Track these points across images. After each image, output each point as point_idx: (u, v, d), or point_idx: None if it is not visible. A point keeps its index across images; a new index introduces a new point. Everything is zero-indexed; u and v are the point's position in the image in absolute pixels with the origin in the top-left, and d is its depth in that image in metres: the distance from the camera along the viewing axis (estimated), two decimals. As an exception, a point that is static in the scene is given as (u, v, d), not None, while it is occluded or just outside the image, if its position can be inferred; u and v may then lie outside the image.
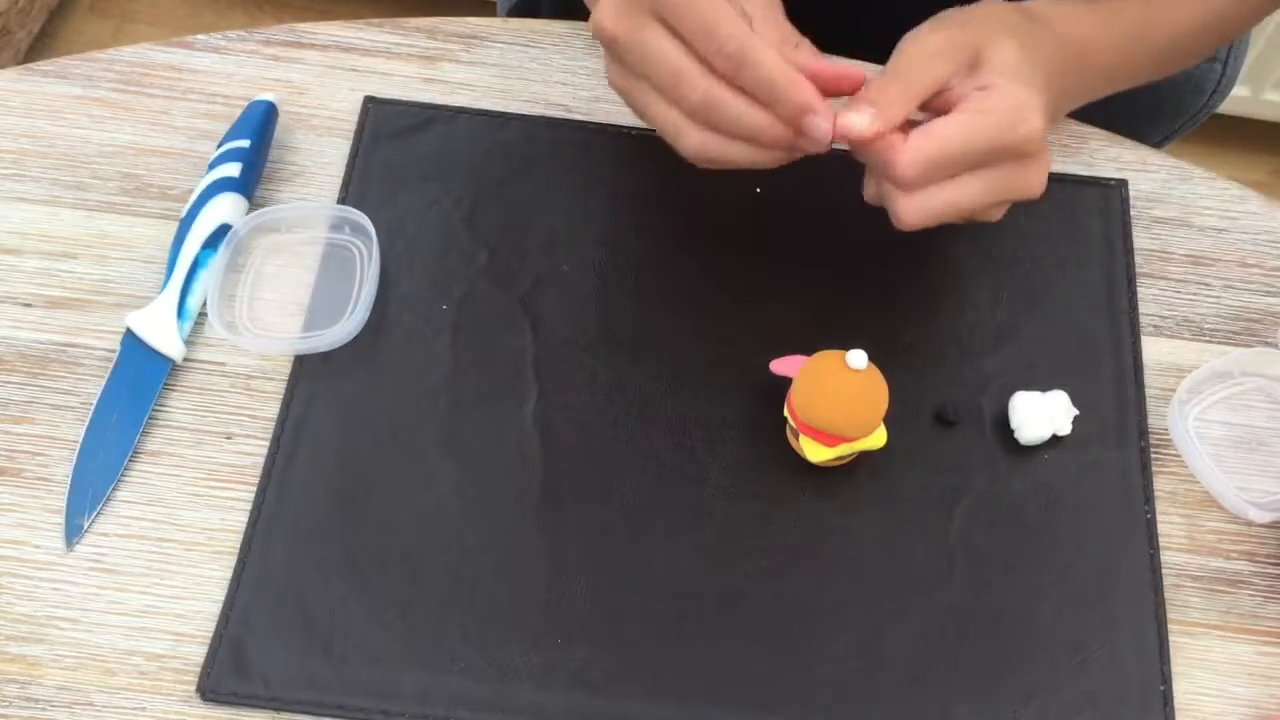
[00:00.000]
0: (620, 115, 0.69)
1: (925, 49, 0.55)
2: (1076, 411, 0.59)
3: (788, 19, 0.58)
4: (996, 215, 0.57)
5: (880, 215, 0.65)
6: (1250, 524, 0.59)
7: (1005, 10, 0.58)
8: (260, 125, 0.65)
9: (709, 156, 0.54)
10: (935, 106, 0.55)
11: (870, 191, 0.57)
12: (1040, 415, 0.59)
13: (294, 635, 0.54)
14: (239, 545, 0.56)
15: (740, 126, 0.53)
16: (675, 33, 0.52)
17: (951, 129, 0.53)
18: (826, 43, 0.60)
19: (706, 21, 0.51)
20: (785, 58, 0.52)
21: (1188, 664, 0.55)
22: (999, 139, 0.53)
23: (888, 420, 0.57)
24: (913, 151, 0.52)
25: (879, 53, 0.58)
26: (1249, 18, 0.69)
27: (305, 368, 0.60)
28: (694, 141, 0.54)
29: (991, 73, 0.54)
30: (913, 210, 0.54)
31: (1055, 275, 0.65)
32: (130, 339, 0.60)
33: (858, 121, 0.53)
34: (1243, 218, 0.68)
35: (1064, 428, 0.59)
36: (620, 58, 0.54)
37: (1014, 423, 0.59)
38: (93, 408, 0.58)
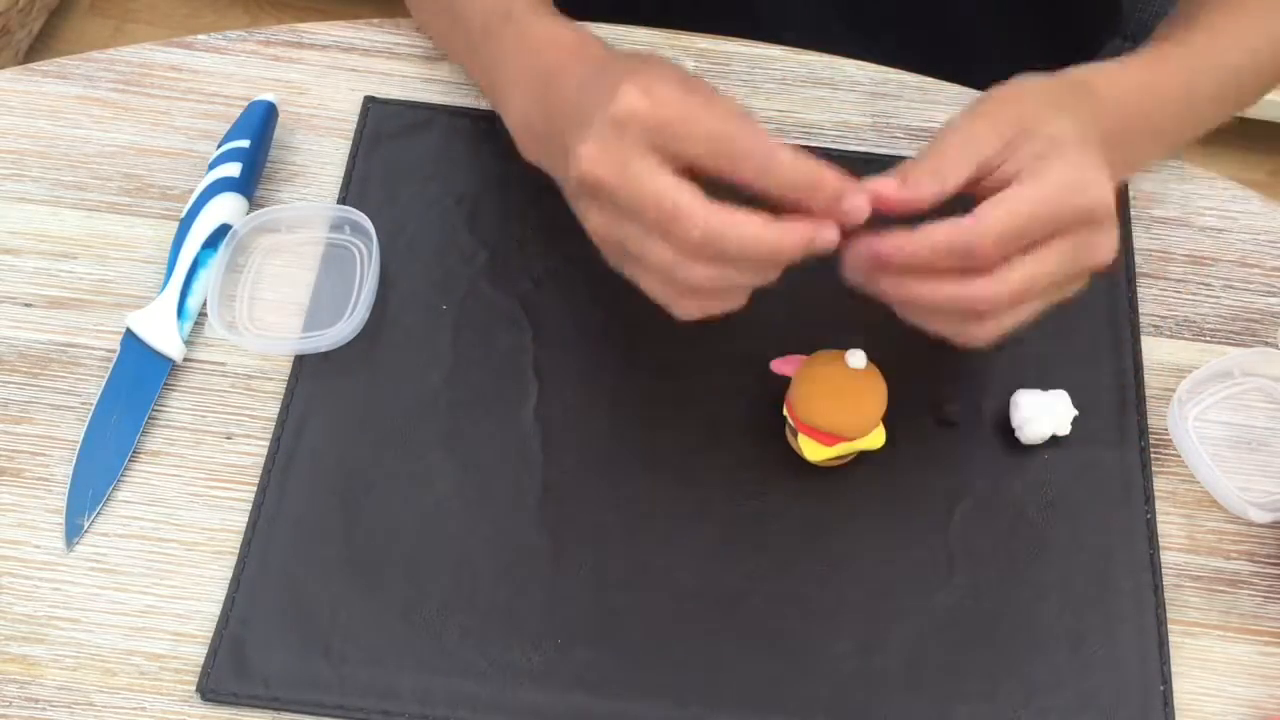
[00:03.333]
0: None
1: (964, 132, 0.52)
2: (1076, 412, 0.59)
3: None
4: (1070, 291, 0.53)
5: (880, 215, 0.64)
6: (1250, 524, 0.59)
7: (1045, 83, 0.55)
8: (260, 125, 0.65)
9: (716, 285, 0.50)
10: (987, 188, 0.51)
11: (932, 317, 0.53)
12: (1042, 414, 0.59)
13: (294, 635, 0.54)
14: (239, 545, 0.56)
15: (753, 247, 0.49)
16: (671, 161, 0.49)
17: (1019, 197, 0.50)
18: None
19: (725, 133, 0.48)
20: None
21: (1188, 664, 0.55)
22: (1068, 203, 0.50)
23: (888, 420, 0.57)
24: (986, 222, 0.49)
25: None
26: None
27: (305, 368, 0.60)
28: (700, 274, 0.50)
29: (1047, 143, 0.51)
30: (993, 290, 0.50)
31: (1055, 275, 0.65)
32: (130, 339, 0.60)
33: (885, 185, 0.50)
34: (1243, 218, 0.68)
35: (1064, 428, 0.59)
36: (608, 202, 0.50)
37: (1015, 421, 0.59)
38: (93, 408, 0.58)
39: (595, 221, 0.52)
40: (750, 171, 0.48)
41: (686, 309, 0.52)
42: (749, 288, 0.52)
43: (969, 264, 0.50)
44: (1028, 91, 0.54)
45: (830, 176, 0.49)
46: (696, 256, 0.49)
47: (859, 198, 0.49)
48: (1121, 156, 0.56)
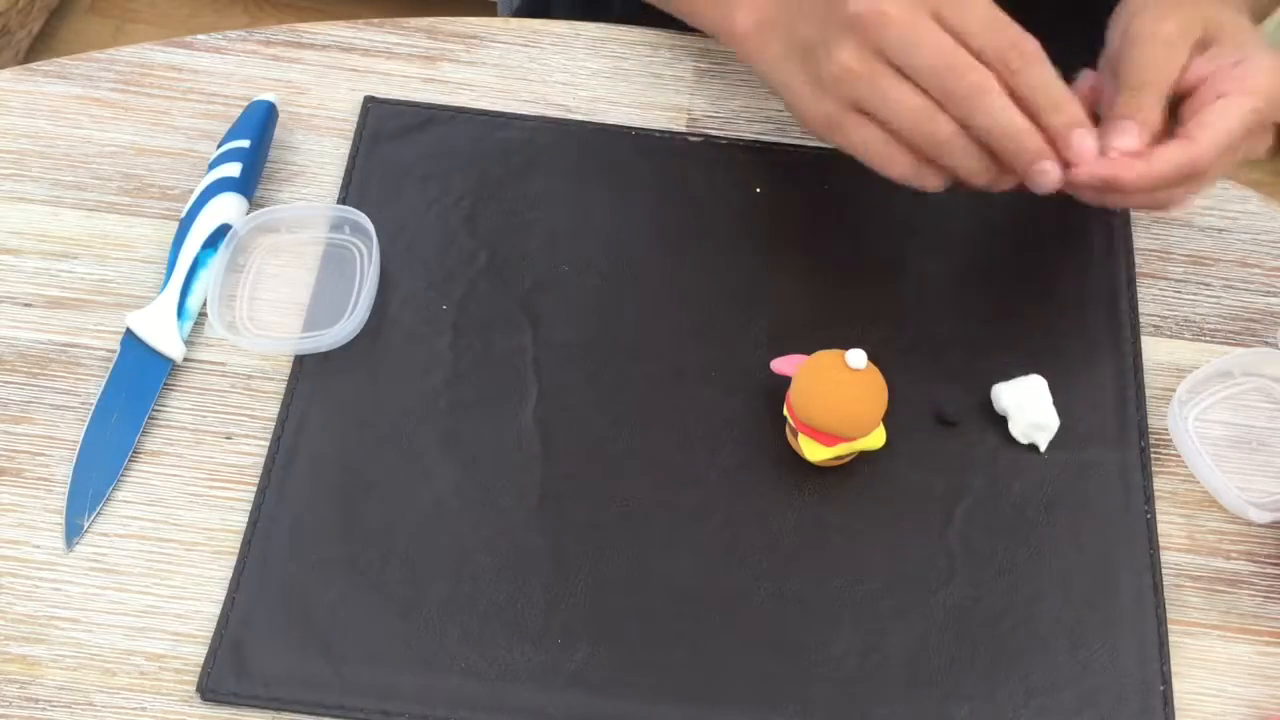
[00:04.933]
0: (620, 115, 0.69)
1: (1161, 38, 0.56)
2: (1049, 396, 0.59)
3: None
4: (1260, 149, 0.58)
5: (880, 215, 0.65)
6: (1250, 524, 0.59)
7: None
8: (260, 125, 0.65)
9: (948, 149, 0.54)
10: (1177, 90, 0.56)
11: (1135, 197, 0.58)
12: (1021, 400, 0.59)
13: (294, 635, 0.54)
14: (239, 545, 0.56)
15: (1002, 124, 0.53)
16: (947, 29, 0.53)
17: (1230, 113, 0.54)
18: None
19: (995, 17, 0.52)
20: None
21: (1188, 664, 0.55)
22: (1271, 108, 0.55)
23: (888, 420, 0.57)
24: (1207, 142, 0.54)
25: None
26: None
27: (305, 368, 0.60)
28: (942, 128, 0.54)
29: (1235, 47, 0.56)
30: (1202, 189, 0.57)
31: (1055, 275, 0.65)
32: (130, 339, 0.60)
33: (1128, 143, 0.54)
34: (1243, 218, 0.68)
35: (1047, 412, 0.59)
36: (884, 38, 0.53)
37: (999, 413, 0.60)
38: (93, 408, 0.58)
39: (847, 62, 0.54)
40: (1016, 60, 0.53)
41: (905, 165, 0.56)
42: (969, 167, 0.55)
43: (1194, 181, 0.55)
44: None
45: (1033, 137, 0.53)
46: (959, 106, 0.53)
47: (1054, 170, 0.54)
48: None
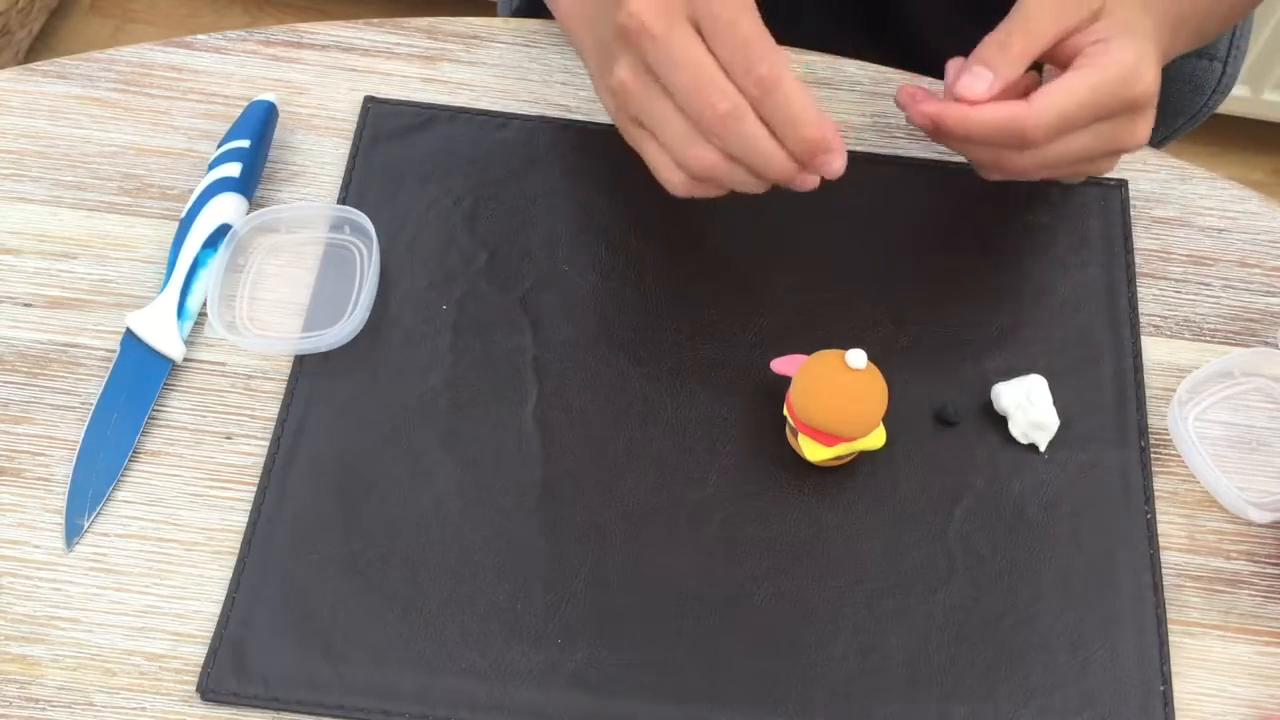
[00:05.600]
0: (620, 115, 0.69)
1: (1045, 13, 0.55)
2: (1050, 395, 0.59)
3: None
4: (1107, 168, 0.59)
5: (880, 215, 0.65)
6: (1250, 524, 0.59)
7: None
8: (260, 125, 0.65)
9: (712, 173, 0.53)
10: (1051, 56, 0.56)
11: (970, 149, 0.58)
12: (1021, 399, 0.59)
13: (294, 635, 0.54)
14: (239, 545, 0.56)
15: (754, 150, 0.52)
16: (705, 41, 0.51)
17: (1073, 87, 0.54)
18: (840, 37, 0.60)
19: (746, 36, 0.50)
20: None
21: (1188, 664, 0.55)
22: (1117, 94, 0.54)
23: (888, 420, 0.57)
24: (1040, 110, 0.53)
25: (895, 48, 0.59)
26: None
27: (305, 368, 0.60)
28: (703, 156, 0.52)
29: (1105, 27, 0.55)
30: (1033, 164, 0.55)
31: (1055, 275, 0.65)
32: (130, 339, 0.60)
33: (975, 87, 0.54)
34: (1243, 218, 0.68)
35: (1047, 411, 0.59)
36: (644, 53, 0.52)
37: (998, 413, 0.60)
38: (93, 408, 0.58)
39: (623, 76, 0.53)
40: (754, 85, 0.50)
41: (678, 184, 0.54)
42: (738, 184, 0.54)
43: (1018, 143, 0.54)
44: None
45: (823, 126, 0.51)
46: (710, 134, 0.51)
47: (838, 163, 0.52)
48: (1171, 44, 0.61)
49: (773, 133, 0.52)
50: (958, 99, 0.55)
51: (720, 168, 0.53)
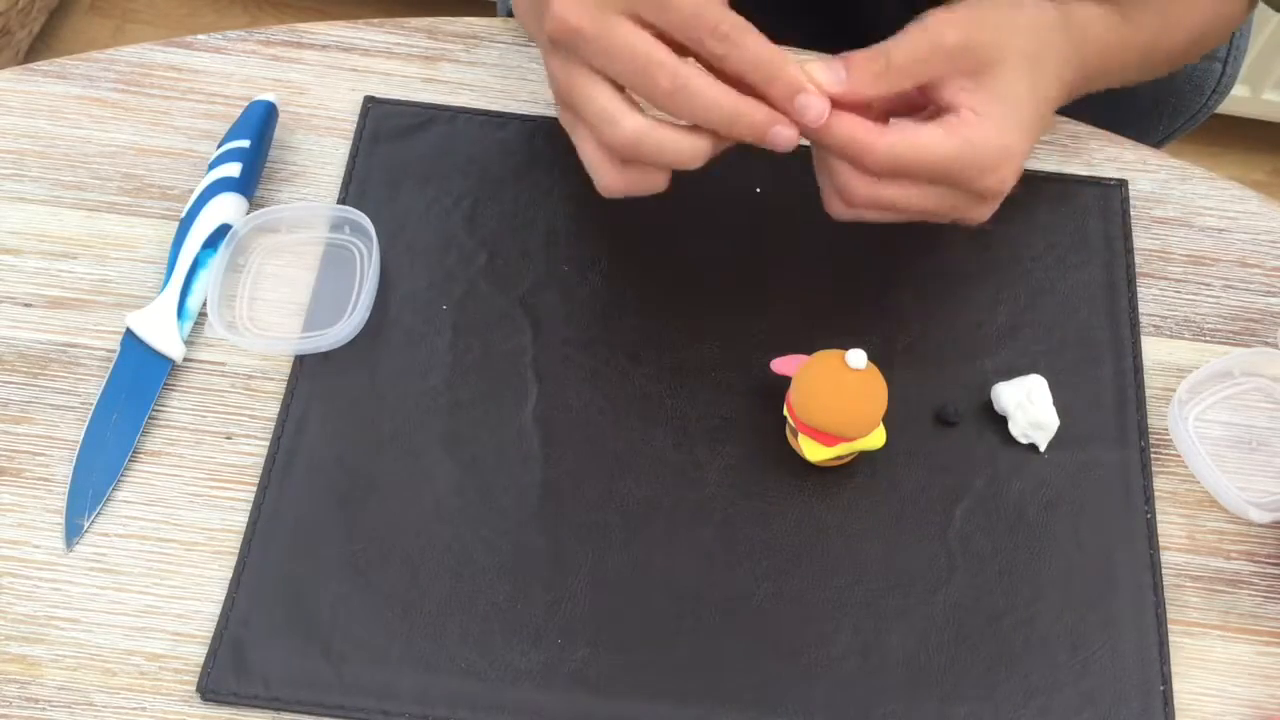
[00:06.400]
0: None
1: (934, 41, 0.53)
2: (1050, 395, 0.59)
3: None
4: (934, 220, 0.57)
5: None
6: (1250, 524, 0.59)
7: (1040, 15, 0.57)
8: (260, 125, 0.65)
9: (647, 151, 0.52)
10: (919, 93, 0.55)
11: (820, 165, 0.56)
12: (1022, 399, 0.59)
13: (294, 635, 0.54)
14: (239, 545, 0.56)
15: (714, 112, 0.51)
16: (647, 27, 0.50)
17: (936, 146, 0.52)
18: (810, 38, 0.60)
19: (694, 7, 0.50)
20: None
21: (1188, 664, 0.55)
22: (972, 177, 0.53)
23: (888, 420, 0.57)
24: (891, 147, 0.52)
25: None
26: (1240, 18, 0.70)
27: (305, 368, 0.60)
28: (626, 128, 0.51)
29: (991, 99, 0.53)
30: (861, 193, 0.54)
31: (1055, 275, 0.65)
32: (130, 339, 0.60)
33: (822, 74, 0.52)
34: (1243, 218, 0.68)
35: (1047, 411, 0.59)
36: (580, 51, 0.51)
37: (998, 412, 0.60)
38: (93, 408, 0.58)
39: (557, 75, 0.53)
40: (716, 45, 0.50)
41: (613, 181, 0.54)
42: (674, 166, 0.53)
43: (856, 165, 0.53)
44: (1019, 23, 0.55)
45: (794, 69, 0.51)
46: (667, 108, 0.51)
47: (816, 101, 0.51)
48: (1065, 97, 0.60)
49: (748, 86, 0.51)
50: (821, 90, 0.52)
51: (645, 134, 0.51)
